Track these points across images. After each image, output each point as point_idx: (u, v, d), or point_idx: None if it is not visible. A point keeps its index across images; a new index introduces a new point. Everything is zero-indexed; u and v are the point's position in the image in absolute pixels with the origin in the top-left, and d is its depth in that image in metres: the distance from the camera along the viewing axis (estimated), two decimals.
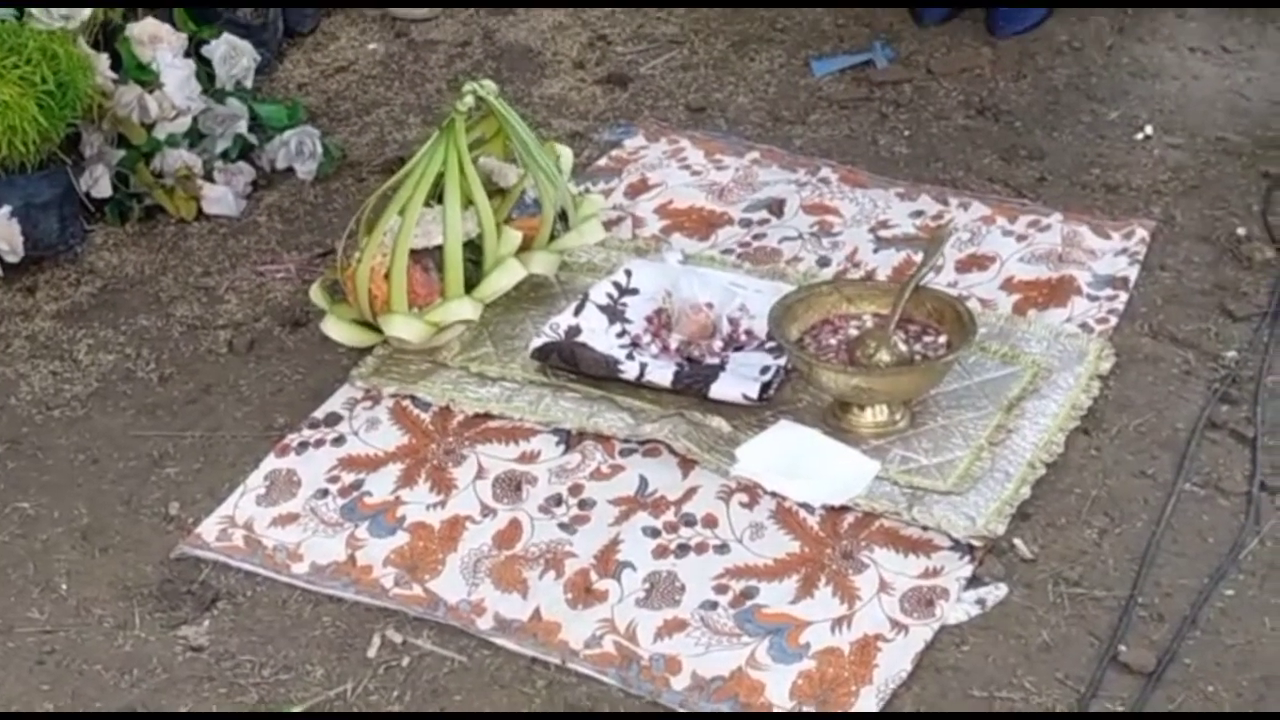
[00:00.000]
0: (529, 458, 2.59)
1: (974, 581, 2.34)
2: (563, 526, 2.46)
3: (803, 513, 2.46)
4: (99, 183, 3.14)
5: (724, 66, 3.65)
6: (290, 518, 2.51)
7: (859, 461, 2.52)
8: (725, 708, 2.17)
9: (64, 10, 3.02)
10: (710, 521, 2.46)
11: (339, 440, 2.65)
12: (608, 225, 3.06)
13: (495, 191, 2.87)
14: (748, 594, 2.34)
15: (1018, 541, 2.41)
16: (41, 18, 3.02)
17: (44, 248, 3.06)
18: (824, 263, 3.01)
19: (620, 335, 2.79)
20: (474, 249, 2.79)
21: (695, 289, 2.81)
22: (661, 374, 2.66)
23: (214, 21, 3.41)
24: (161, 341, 2.91)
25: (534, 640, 2.29)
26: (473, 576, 2.39)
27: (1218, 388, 2.68)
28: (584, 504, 2.50)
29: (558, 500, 2.51)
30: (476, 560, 2.41)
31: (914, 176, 3.25)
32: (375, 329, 2.76)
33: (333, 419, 2.69)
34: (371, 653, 2.29)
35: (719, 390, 2.63)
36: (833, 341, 2.67)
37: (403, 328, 2.71)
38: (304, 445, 2.64)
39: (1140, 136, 3.35)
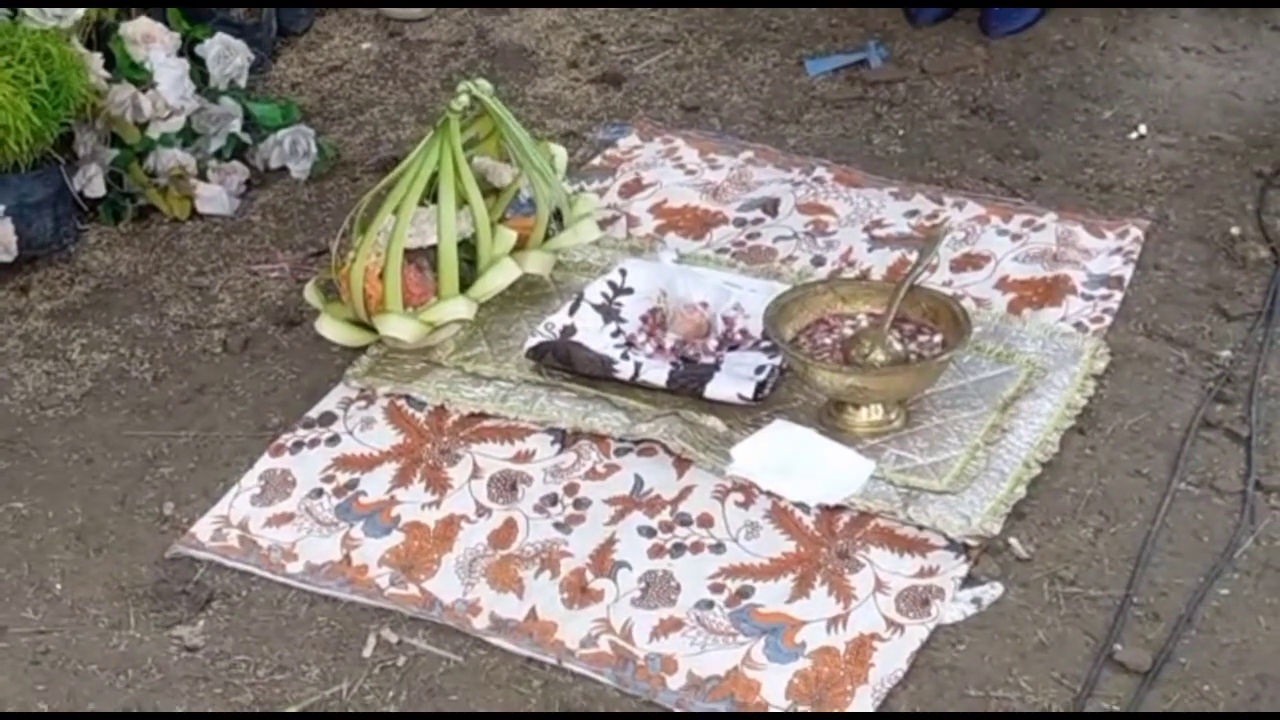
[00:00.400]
0: (524, 457, 2.59)
1: (969, 581, 2.35)
2: (558, 526, 2.46)
3: (798, 512, 2.46)
4: (92, 182, 3.15)
5: (718, 66, 3.66)
6: (285, 517, 2.51)
7: (854, 461, 2.53)
8: (721, 707, 2.17)
9: (58, 10, 3.03)
10: (706, 521, 2.46)
11: (334, 440, 2.65)
12: (602, 224, 3.06)
13: (490, 191, 2.87)
14: (743, 593, 2.34)
15: (1013, 541, 2.41)
16: (35, 17, 3.02)
17: (37, 247, 3.06)
18: (819, 262, 3.01)
19: (615, 335, 2.79)
20: (469, 248, 2.79)
21: (690, 288, 2.83)
22: (656, 373, 2.67)
23: (207, 21, 3.41)
24: (155, 341, 2.91)
25: (530, 640, 2.29)
26: (468, 576, 2.39)
27: (1212, 387, 2.69)
28: (579, 503, 2.50)
29: (553, 500, 2.51)
30: (472, 560, 2.41)
31: (908, 176, 3.26)
32: (370, 328, 2.76)
33: (327, 418, 2.69)
34: (367, 652, 2.29)
35: (714, 390, 2.63)
36: (828, 341, 2.68)
37: (397, 327, 2.71)
38: (299, 445, 2.64)
39: (1134, 136, 3.36)
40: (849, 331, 2.68)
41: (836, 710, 2.15)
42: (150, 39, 3.21)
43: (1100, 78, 3.55)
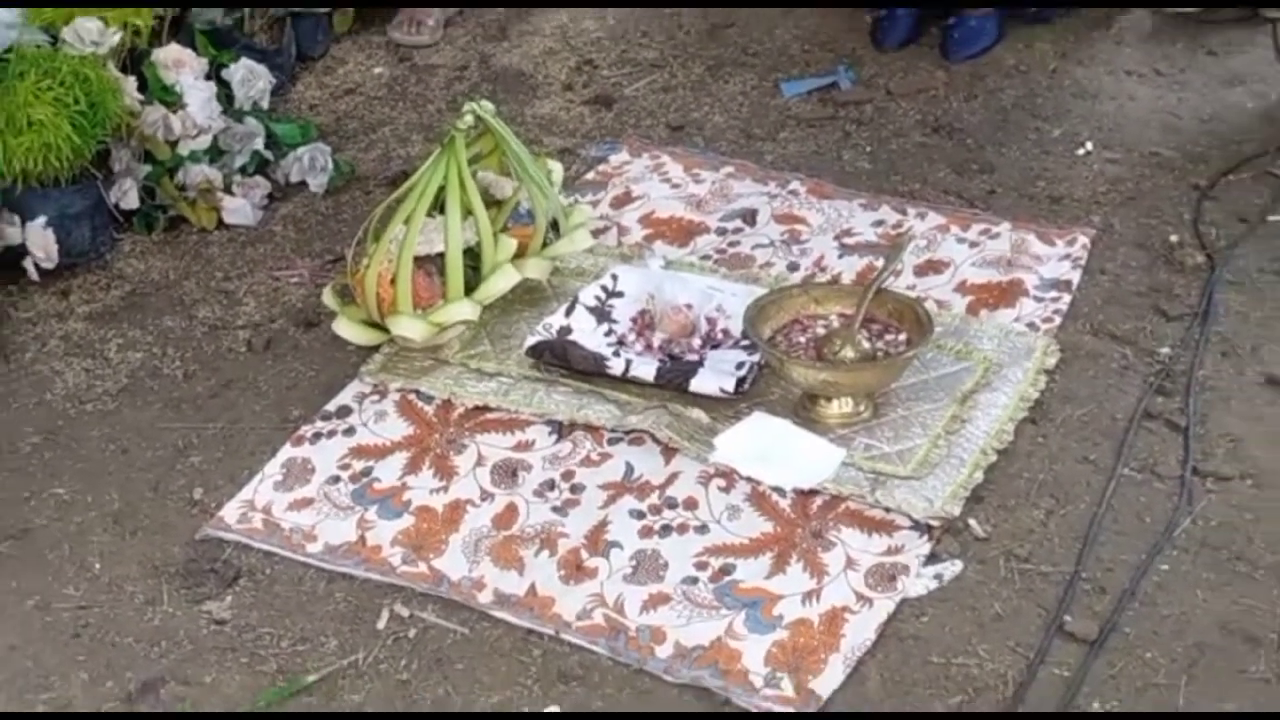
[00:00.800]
0: (524, 446, 2.59)
1: (932, 558, 2.35)
2: (556, 509, 2.46)
3: (775, 496, 2.46)
4: (127, 195, 3.15)
5: (701, 88, 3.66)
6: (305, 502, 2.51)
7: (826, 449, 2.53)
8: (706, 674, 2.18)
9: (94, 36, 3.02)
10: (691, 504, 2.46)
11: (349, 431, 2.65)
12: (595, 234, 3.06)
13: (492, 203, 2.87)
14: (726, 570, 2.34)
15: (972, 521, 2.41)
16: (73, 44, 3.01)
17: (77, 255, 3.06)
18: (793, 268, 3.01)
19: (607, 334, 2.79)
20: (473, 255, 2.79)
21: (676, 292, 2.82)
22: (645, 369, 2.67)
23: (232, 47, 3.41)
24: (185, 341, 2.91)
25: (530, 613, 2.29)
26: (473, 555, 2.39)
27: (1153, 381, 2.69)
28: (575, 488, 2.50)
29: (551, 485, 2.51)
30: (477, 540, 2.42)
31: (875, 189, 3.25)
32: (382, 329, 2.76)
33: (344, 411, 2.69)
34: (381, 625, 2.29)
35: (698, 384, 2.63)
36: (802, 339, 2.68)
37: (408, 327, 2.72)
38: (317, 436, 2.65)
39: (1081, 152, 3.36)
40: (821, 331, 2.68)
41: (812, 676, 2.16)
42: (180, 64, 3.21)
43: (1050, 99, 3.55)
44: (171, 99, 3.17)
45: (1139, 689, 2.15)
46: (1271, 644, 2.20)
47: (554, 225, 2.94)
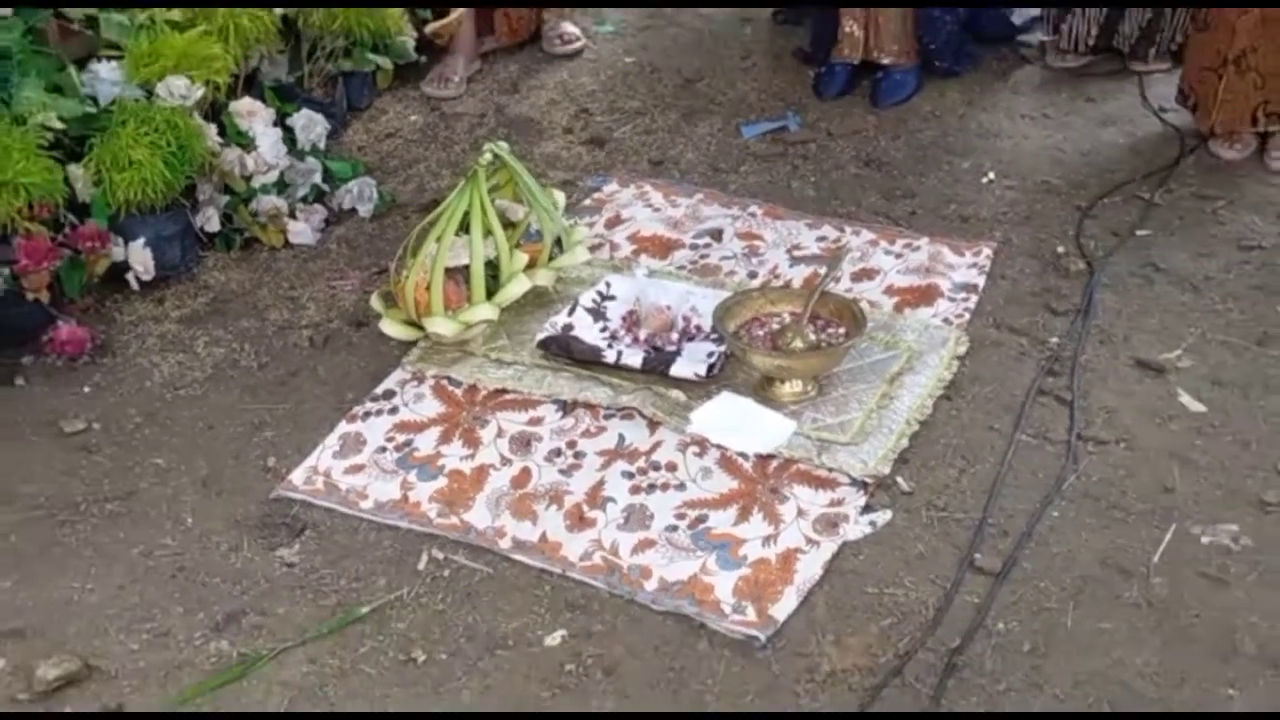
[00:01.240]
0: (536, 421, 2.60)
1: (867, 508, 2.37)
2: (562, 472, 2.47)
3: (740, 459, 2.47)
4: (210, 220, 3.14)
5: (676, 131, 3.66)
6: (358, 468, 2.51)
7: (781, 421, 2.54)
8: (685, 604, 2.19)
9: (182, 91, 3.02)
10: (671, 467, 2.47)
11: (394, 410, 2.65)
12: (592, 249, 3.07)
13: (508, 224, 2.88)
14: (700, 520, 2.35)
15: (899, 479, 2.43)
16: (165, 97, 3.01)
17: (169, 269, 3.05)
18: (753, 275, 3.02)
19: (603, 330, 2.80)
20: (493, 267, 2.80)
21: (658, 295, 2.83)
22: (633, 358, 2.68)
23: (294, 99, 3.41)
24: (259, 338, 2.91)
25: (542, 555, 2.30)
26: (495, 509, 2.40)
27: (1044, 365, 2.70)
28: (577, 455, 2.51)
29: (558, 452, 2.52)
30: (498, 497, 2.42)
31: (818, 211, 3.26)
32: (419, 327, 2.76)
33: (389, 394, 2.69)
34: (420, 566, 2.30)
35: (677, 370, 2.64)
36: (760, 333, 2.69)
37: (440, 326, 2.72)
38: (367, 414, 2.65)
39: (985, 180, 3.36)
40: (776, 326, 2.69)
41: (771, 603, 2.17)
42: (252, 113, 3.21)
43: (959, 138, 3.55)
44: (246, 142, 3.17)
45: (1034, 612, 2.16)
46: (1142, 575, 2.22)
47: (558, 242, 2.94)
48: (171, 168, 2.94)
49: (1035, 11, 3.91)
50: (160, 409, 2.70)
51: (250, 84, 3.35)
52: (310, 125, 3.33)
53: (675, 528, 2.34)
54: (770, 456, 2.47)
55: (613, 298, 2.86)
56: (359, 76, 3.71)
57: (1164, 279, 2.95)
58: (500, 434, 2.57)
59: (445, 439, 2.57)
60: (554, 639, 2.15)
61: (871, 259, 3.05)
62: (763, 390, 2.61)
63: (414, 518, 2.40)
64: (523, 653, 2.13)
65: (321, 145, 3.37)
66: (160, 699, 2.09)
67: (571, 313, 2.81)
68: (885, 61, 3.70)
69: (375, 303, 2.84)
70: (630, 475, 2.45)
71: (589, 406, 2.61)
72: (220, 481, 2.51)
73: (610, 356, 2.69)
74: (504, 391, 2.67)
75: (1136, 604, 2.17)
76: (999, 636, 2.12)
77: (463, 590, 2.25)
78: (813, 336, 2.63)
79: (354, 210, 3.34)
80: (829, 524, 2.33)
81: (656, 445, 2.52)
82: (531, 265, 2.86)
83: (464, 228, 2.78)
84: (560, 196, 3.08)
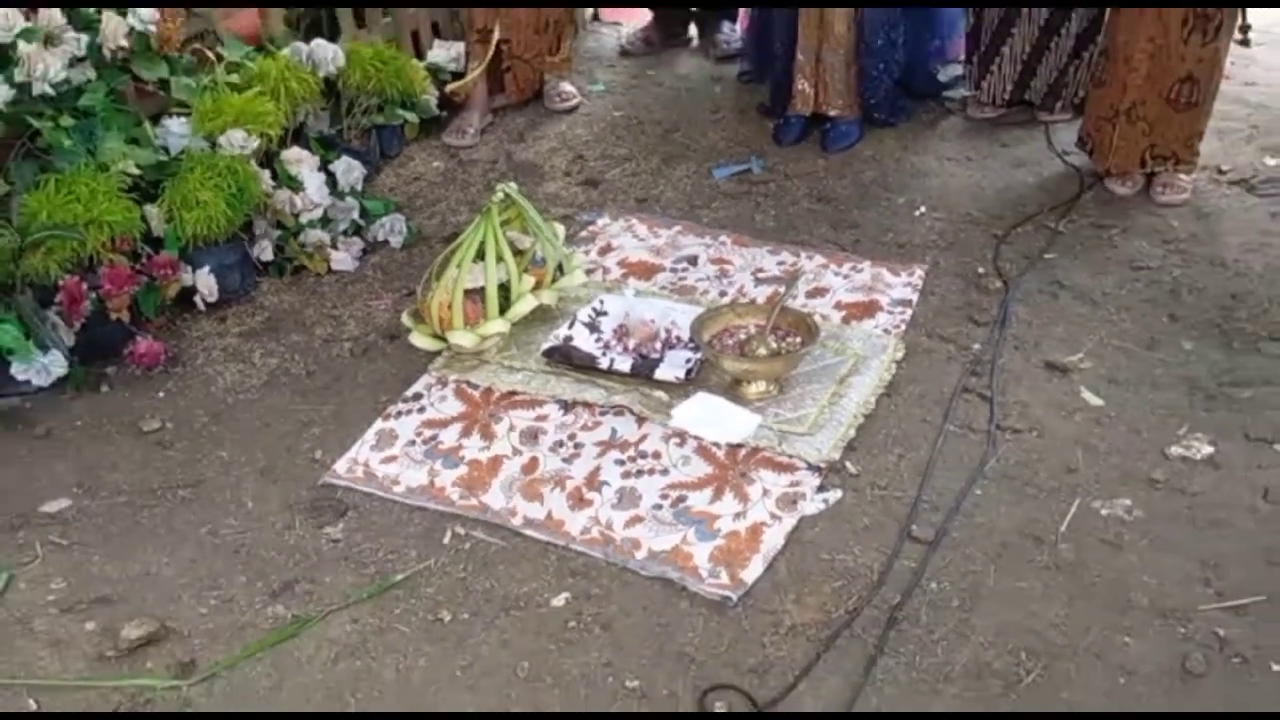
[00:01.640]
0: (542, 418, 2.60)
1: (821, 489, 2.37)
2: (564, 460, 2.47)
3: (714, 448, 2.48)
4: (265, 251, 3.14)
5: (658, 173, 3.66)
6: (392, 459, 2.51)
7: (748, 416, 2.54)
8: (669, 570, 2.19)
9: (241, 141, 3.02)
10: (656, 455, 2.47)
11: (422, 410, 2.65)
12: (588, 273, 3.07)
13: (517, 252, 2.88)
14: (681, 500, 2.36)
15: (848, 463, 2.43)
16: (226, 147, 3.02)
17: (229, 293, 3.05)
18: (723, 293, 3.02)
19: (597, 341, 2.80)
20: (504, 288, 2.80)
21: (643, 311, 2.84)
22: (623, 364, 2.68)
23: (335, 149, 3.42)
24: (307, 350, 2.91)
25: (548, 531, 2.30)
26: (509, 492, 2.40)
27: (968, 367, 2.71)
28: (577, 446, 2.51)
29: (560, 444, 2.52)
30: (511, 482, 2.42)
31: (778, 240, 3.26)
32: (443, 339, 2.76)
33: (417, 396, 2.70)
34: (445, 541, 2.31)
35: (661, 374, 2.65)
36: (730, 342, 2.69)
37: (460, 338, 2.72)
38: (399, 413, 2.65)
39: (918, 213, 3.37)
40: (743, 336, 2.70)
41: (742, 572, 2.17)
42: (300, 160, 3.21)
43: (896, 178, 3.56)
44: (295, 185, 3.17)
45: (962, 574, 2.17)
46: (1051, 542, 2.23)
47: (559, 267, 2.95)
48: (232, 207, 2.95)
49: (959, 71, 3.93)
50: (224, 410, 2.70)
51: (298, 136, 3.35)
52: (349, 170, 3.34)
53: (660, 506, 2.34)
54: (739, 446, 2.47)
55: (605, 313, 2.87)
56: (390, 129, 3.72)
57: (1068, 294, 2.96)
58: (512, 429, 2.57)
59: (466, 433, 2.57)
60: (559, 600, 2.16)
61: (823, 279, 3.06)
62: (732, 390, 2.62)
63: (440, 500, 2.40)
64: (532, 612, 2.14)
65: (359, 187, 3.38)
66: (226, 654, 2.09)
67: (571, 326, 2.81)
68: (832, 114, 3.71)
69: (405, 319, 2.84)
70: (622, 463, 2.46)
71: (586, 405, 2.61)
72: (275, 471, 2.51)
73: (604, 363, 2.69)
74: (515, 393, 2.67)
75: (1047, 566, 2.18)
76: (932, 594, 2.13)
77: (481, 560, 2.25)
78: (774, 344, 2.64)
79: (387, 241, 3.34)
80: (789, 502, 2.33)
81: (644, 437, 2.52)
82: (537, 286, 2.87)
83: (480, 255, 2.78)
84: (561, 229, 3.09)
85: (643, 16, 4.56)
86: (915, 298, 2.96)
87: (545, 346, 2.75)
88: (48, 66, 2.80)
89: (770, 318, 2.66)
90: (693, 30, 4.52)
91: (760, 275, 3.09)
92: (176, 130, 3.05)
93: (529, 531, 2.30)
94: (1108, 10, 3.41)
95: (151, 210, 2.91)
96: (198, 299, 3.00)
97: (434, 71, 3.88)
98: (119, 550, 2.31)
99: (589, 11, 4.73)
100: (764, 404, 2.58)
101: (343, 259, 3.23)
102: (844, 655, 2.03)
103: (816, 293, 3.00)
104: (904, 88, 3.84)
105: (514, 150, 3.83)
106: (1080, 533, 2.24)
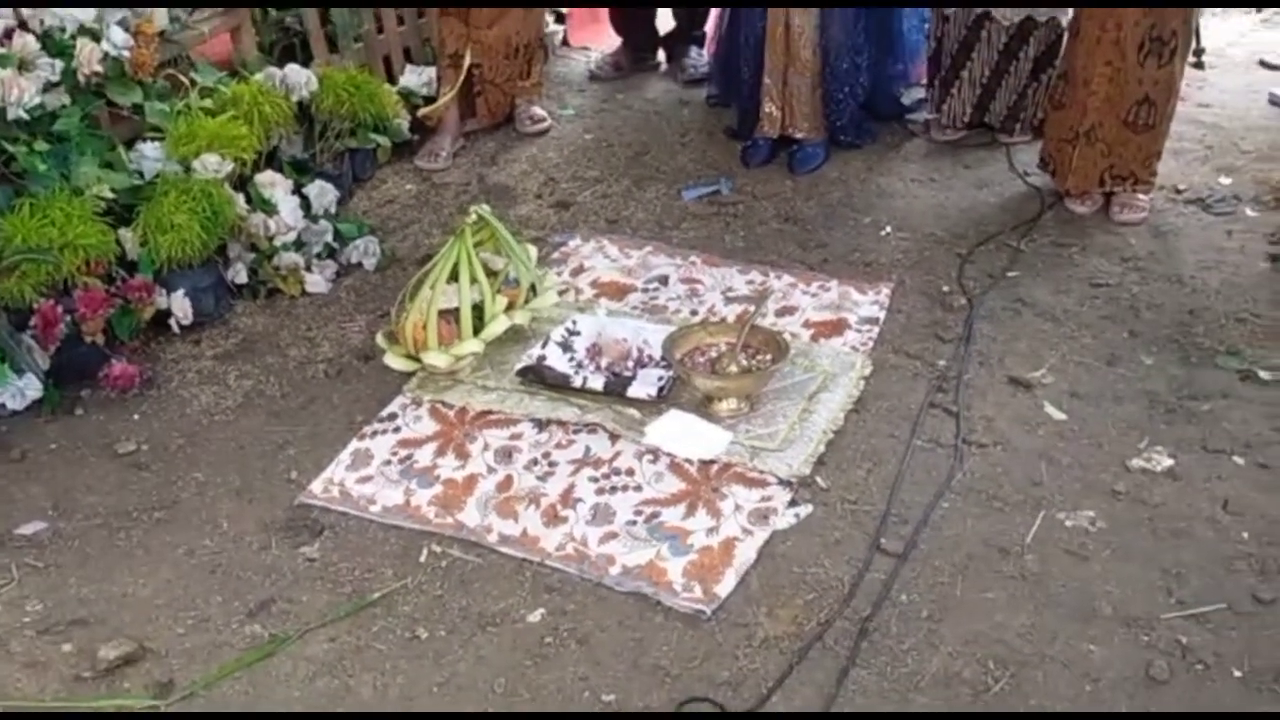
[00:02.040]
0: (516, 437, 2.60)
1: (792, 503, 2.38)
2: (539, 478, 2.47)
3: (687, 464, 2.48)
4: (239, 274, 3.14)
5: (628, 195, 3.67)
6: (367, 478, 2.51)
7: (720, 433, 2.55)
8: (643, 585, 2.20)
9: (215, 165, 3.02)
10: (630, 472, 2.48)
11: (397, 429, 2.65)
12: (560, 293, 3.08)
13: (490, 273, 2.89)
14: (654, 515, 2.36)
15: (818, 478, 2.44)
16: (201, 171, 3.01)
17: (204, 315, 3.04)
18: (694, 313, 3.03)
19: (570, 360, 2.80)
20: (478, 309, 2.81)
21: (615, 330, 2.85)
22: (596, 383, 2.69)
23: (309, 172, 3.42)
24: (282, 372, 2.90)
25: (523, 548, 2.30)
26: (484, 510, 2.40)
27: (935, 383, 2.72)
28: (551, 464, 2.51)
29: (535, 462, 2.52)
30: (486, 500, 2.42)
31: (747, 260, 3.27)
32: (417, 360, 2.76)
33: (392, 416, 2.69)
34: (422, 559, 2.30)
35: (633, 391, 2.65)
36: (701, 360, 2.71)
37: (435, 358, 2.73)
38: (374, 433, 2.64)
39: (884, 233, 3.38)
40: (714, 354, 2.71)
41: (713, 583, 2.18)
42: (273, 184, 3.21)
43: (862, 198, 3.58)
44: (269, 208, 3.17)
45: (931, 586, 2.18)
46: (1017, 553, 2.25)
47: (532, 288, 2.96)
48: (206, 230, 2.94)
49: (922, 94, 3.98)
50: (199, 432, 2.69)
51: (271, 159, 3.35)
52: (323, 194, 3.34)
53: (634, 522, 2.34)
54: (712, 462, 2.48)
55: (578, 333, 2.87)
56: (363, 153, 3.72)
57: (1030, 311, 2.99)
58: (486, 448, 2.57)
59: (440, 452, 2.57)
60: (535, 616, 2.16)
61: (791, 298, 3.07)
62: (704, 407, 2.63)
63: (415, 519, 2.39)
64: (509, 628, 2.14)
65: (332, 210, 3.38)
66: (203, 674, 2.08)
67: (544, 346, 2.82)
68: (799, 136, 3.74)
69: (380, 340, 2.84)
70: (596, 480, 2.46)
71: (560, 423, 2.61)
72: (251, 491, 2.50)
73: (577, 381, 2.70)
74: (489, 412, 2.67)
75: (1013, 576, 2.20)
76: (902, 606, 2.14)
77: (457, 578, 2.25)
78: (745, 362, 2.65)
79: (360, 264, 3.34)
80: (761, 516, 2.34)
81: (617, 454, 2.52)
82: (510, 307, 2.88)
83: (453, 276, 2.79)
84: (533, 250, 3.09)
85: (611, 42, 4.59)
86: (882, 315, 2.97)
87: (519, 366, 2.76)
88: (22, 92, 2.79)
89: (740, 336, 2.67)
90: (661, 55, 4.56)
91: (730, 294, 3.10)
92: (151, 154, 3.05)
93: (504, 549, 2.30)
94: (1065, 36, 3.47)
95: (126, 234, 2.91)
96: (172, 322, 2.99)
97: (406, 96, 3.90)
98: (95, 572, 2.30)
99: (559, 37, 4.76)
100: (735, 420, 2.59)
101: (316, 281, 3.22)
102: (816, 666, 2.03)
103: (786, 311, 3.01)
104: (869, 110, 3.88)
105: (486, 173, 3.84)
106: (1045, 544, 2.26)
